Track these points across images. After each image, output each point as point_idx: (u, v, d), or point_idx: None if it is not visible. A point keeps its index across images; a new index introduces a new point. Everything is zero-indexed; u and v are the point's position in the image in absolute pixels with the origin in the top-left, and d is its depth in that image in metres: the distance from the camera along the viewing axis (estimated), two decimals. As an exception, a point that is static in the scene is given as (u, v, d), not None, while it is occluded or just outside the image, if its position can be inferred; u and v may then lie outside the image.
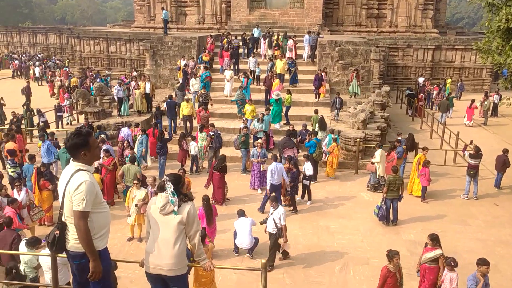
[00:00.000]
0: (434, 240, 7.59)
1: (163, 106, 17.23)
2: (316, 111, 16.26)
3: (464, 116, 21.16)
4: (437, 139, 18.11)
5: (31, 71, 32.68)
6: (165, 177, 4.11)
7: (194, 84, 18.65)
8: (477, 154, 12.69)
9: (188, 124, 16.12)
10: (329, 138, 14.23)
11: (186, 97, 16.70)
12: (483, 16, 53.46)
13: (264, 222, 9.09)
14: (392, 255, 6.99)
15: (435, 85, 25.81)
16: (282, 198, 11.47)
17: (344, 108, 18.04)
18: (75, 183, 3.67)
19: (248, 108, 16.21)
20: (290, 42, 22.14)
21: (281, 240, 8.88)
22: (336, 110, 17.43)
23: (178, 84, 19.51)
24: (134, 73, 26.39)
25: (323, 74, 19.46)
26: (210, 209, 9.14)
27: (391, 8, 30.06)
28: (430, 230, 9.50)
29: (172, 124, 16.57)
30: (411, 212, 11.70)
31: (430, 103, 24.66)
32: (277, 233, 8.73)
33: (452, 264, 7.15)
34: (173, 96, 18.25)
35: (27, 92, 24.05)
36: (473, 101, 21.07)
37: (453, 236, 10.42)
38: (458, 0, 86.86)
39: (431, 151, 15.13)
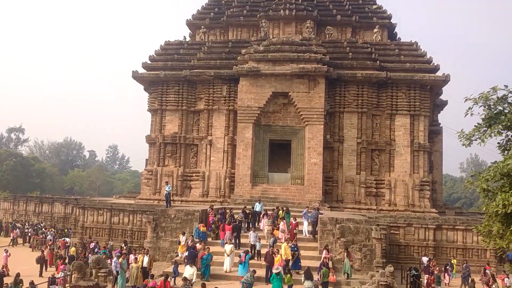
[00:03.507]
0: None
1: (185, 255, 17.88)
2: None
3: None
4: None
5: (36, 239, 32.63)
6: None
7: (187, 272, 16.85)
8: None
9: None
10: None
11: None
12: (480, 197, 54.70)
13: None
14: None
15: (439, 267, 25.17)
16: None
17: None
18: None
19: None
20: (282, 223, 22.17)
21: None
22: None
23: (177, 257, 19.21)
24: (123, 245, 25.94)
25: (325, 251, 19.18)
26: None
27: (389, 187, 31.17)
28: None
29: None
30: None
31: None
32: None
33: None
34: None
35: (42, 261, 24.08)
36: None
37: None
38: (453, 181, 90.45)
39: None
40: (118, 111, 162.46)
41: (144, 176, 35.11)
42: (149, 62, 34.81)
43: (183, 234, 21.62)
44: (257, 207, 24.76)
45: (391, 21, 36.46)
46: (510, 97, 11.69)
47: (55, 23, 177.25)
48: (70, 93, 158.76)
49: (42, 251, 25.60)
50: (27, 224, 39.68)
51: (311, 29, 34.40)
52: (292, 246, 19.67)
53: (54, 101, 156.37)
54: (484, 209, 11.27)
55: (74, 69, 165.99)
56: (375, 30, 35.23)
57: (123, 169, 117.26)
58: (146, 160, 35.87)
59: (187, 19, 38.46)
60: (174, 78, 33.49)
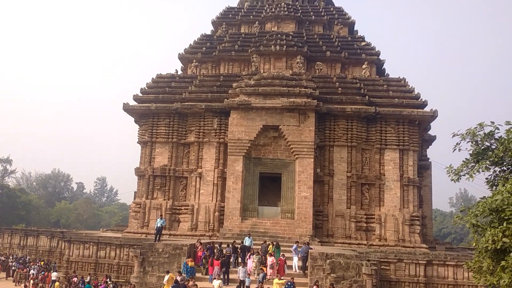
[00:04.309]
0: None
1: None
2: None
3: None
4: None
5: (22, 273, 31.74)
6: None
7: None
8: None
9: None
10: None
11: None
12: (469, 233, 54.69)
13: None
14: None
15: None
16: None
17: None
18: None
19: None
20: (270, 259, 21.62)
21: None
22: None
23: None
24: (108, 281, 25.33)
25: (315, 287, 18.87)
26: None
27: (379, 222, 31.04)
28: None
29: None
30: None
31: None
32: None
33: None
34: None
35: None
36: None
37: None
38: (443, 216, 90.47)
39: None
40: (108, 143, 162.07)
41: (132, 209, 34.63)
42: (140, 94, 34.98)
43: (167, 273, 21.05)
44: (247, 241, 24.43)
45: (380, 57, 37.20)
46: (497, 133, 11.88)
47: (44, 53, 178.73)
48: (59, 124, 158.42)
49: (25, 286, 24.92)
50: (11, 257, 38.68)
51: (301, 64, 35.00)
52: (289, 283, 19.28)
53: (42, 132, 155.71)
54: (474, 244, 11.25)
55: (64, 101, 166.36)
56: (364, 66, 35.91)
57: (111, 201, 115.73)
58: (135, 192, 35.47)
59: (179, 53, 38.95)
60: (165, 111, 33.61)
